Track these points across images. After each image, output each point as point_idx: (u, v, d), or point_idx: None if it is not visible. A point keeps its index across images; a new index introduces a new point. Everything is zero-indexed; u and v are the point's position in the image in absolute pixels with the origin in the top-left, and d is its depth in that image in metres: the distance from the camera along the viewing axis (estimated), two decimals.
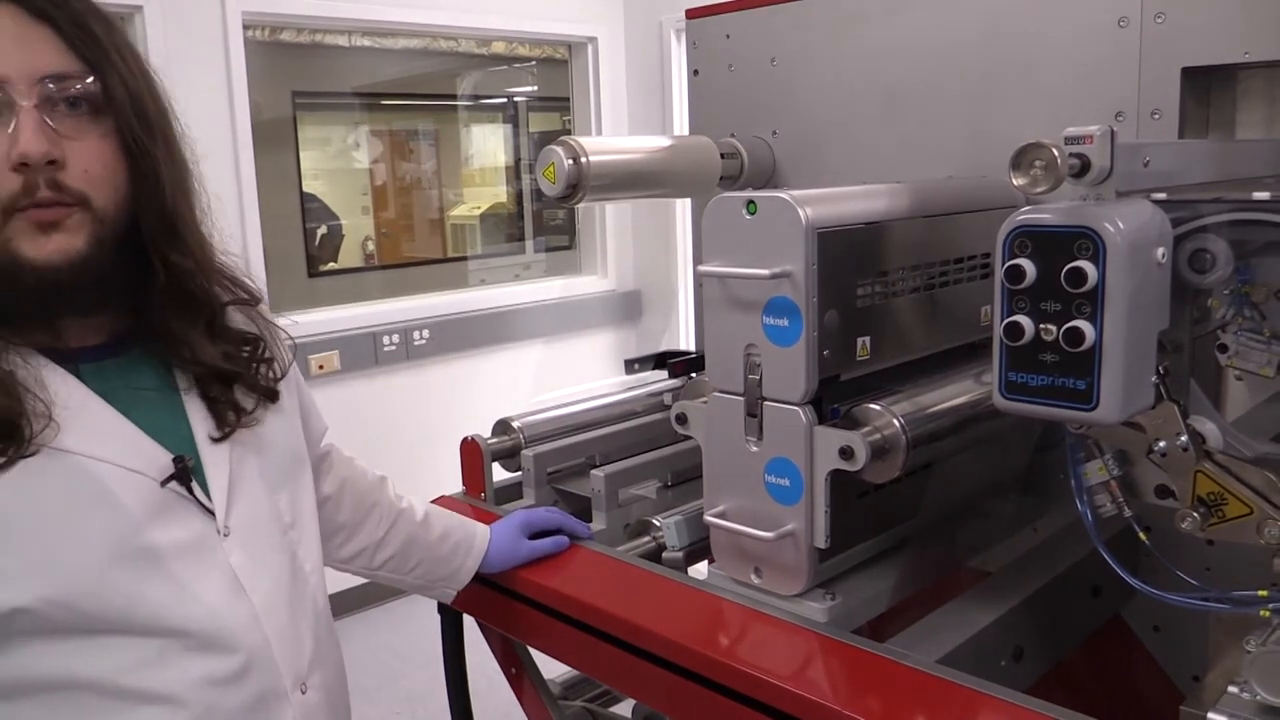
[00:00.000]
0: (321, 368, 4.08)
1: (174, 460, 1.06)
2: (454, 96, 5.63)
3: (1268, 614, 1.07)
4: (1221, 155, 1.40)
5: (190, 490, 1.07)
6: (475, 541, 1.56)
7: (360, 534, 1.46)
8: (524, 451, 1.84)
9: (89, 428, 1.02)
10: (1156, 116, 1.54)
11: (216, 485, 1.10)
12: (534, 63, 5.43)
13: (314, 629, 1.19)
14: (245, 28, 3.84)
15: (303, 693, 1.14)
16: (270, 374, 1.20)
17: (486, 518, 1.76)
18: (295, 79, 4.85)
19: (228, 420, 1.13)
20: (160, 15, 3.57)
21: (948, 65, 1.77)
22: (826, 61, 1.95)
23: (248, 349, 1.18)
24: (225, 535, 1.09)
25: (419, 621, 2.95)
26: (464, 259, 5.55)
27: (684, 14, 2.24)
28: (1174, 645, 1.65)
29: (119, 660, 1.01)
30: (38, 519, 0.98)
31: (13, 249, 0.98)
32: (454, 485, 1.89)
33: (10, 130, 0.96)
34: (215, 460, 1.11)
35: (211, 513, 1.09)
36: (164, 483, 1.05)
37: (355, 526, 1.46)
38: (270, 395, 1.19)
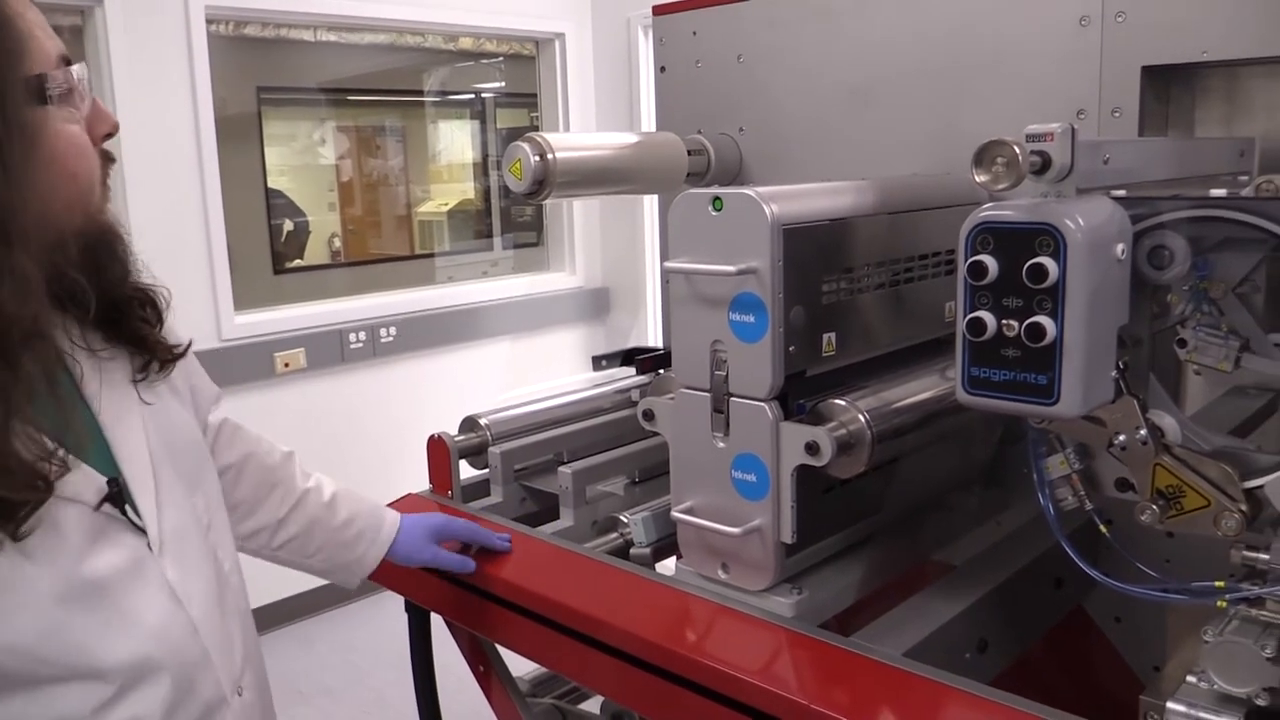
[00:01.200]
0: (287, 365, 4.05)
1: (108, 483, 1.02)
2: (421, 92, 5.60)
3: (1224, 605, 1.08)
4: (1180, 153, 1.41)
5: (124, 511, 1.04)
6: (382, 531, 1.51)
7: (260, 512, 1.41)
8: (491, 449, 1.84)
9: None
10: (1117, 114, 1.56)
11: (144, 500, 1.06)
12: (501, 59, 5.42)
13: (241, 629, 1.17)
14: (208, 22, 3.79)
15: (239, 695, 1.13)
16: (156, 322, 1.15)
17: (455, 515, 1.76)
18: (260, 74, 4.81)
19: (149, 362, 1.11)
20: (122, 10, 3.52)
21: (913, 63, 1.79)
22: (793, 59, 1.96)
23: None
24: (158, 551, 1.06)
25: (386, 620, 2.93)
26: (431, 256, 5.53)
27: (651, 10, 2.24)
28: (1134, 636, 1.68)
29: (77, 703, 0.98)
30: None
31: (106, 219, 1.05)
32: (421, 483, 1.88)
33: (87, 107, 1.00)
34: (138, 473, 1.07)
35: (142, 530, 1.05)
36: (98, 507, 1.01)
37: (255, 504, 1.41)
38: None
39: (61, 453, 0.94)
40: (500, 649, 1.75)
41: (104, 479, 1.02)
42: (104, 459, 1.05)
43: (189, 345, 1.18)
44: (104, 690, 0.99)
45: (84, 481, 1.00)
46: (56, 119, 0.96)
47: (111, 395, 1.07)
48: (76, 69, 0.99)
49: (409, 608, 1.79)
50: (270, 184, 4.87)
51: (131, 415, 1.09)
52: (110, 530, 1.02)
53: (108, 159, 1.05)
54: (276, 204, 5.00)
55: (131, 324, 1.10)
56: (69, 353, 1.05)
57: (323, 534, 1.46)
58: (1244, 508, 1.07)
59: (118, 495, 1.03)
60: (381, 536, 1.51)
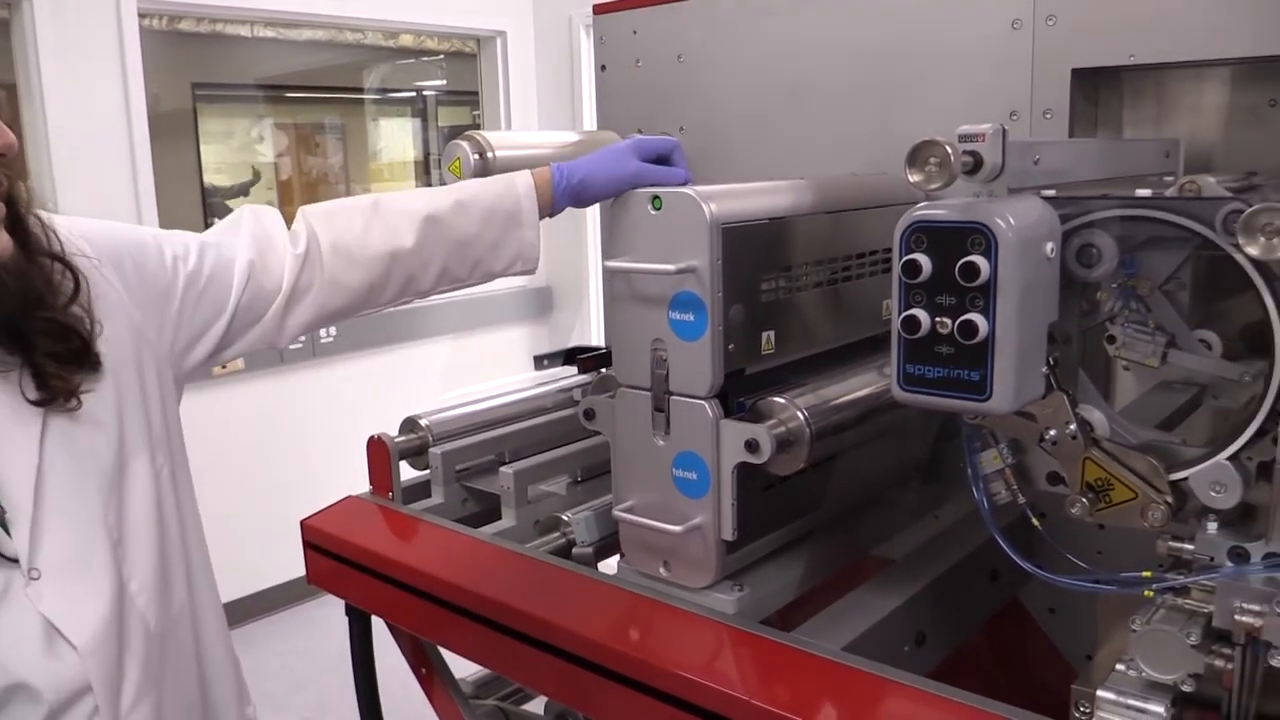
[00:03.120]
0: (224, 367, 3.98)
1: None
2: (361, 90, 5.54)
3: (1152, 594, 1.11)
4: (1109, 154, 1.44)
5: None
6: (521, 199, 1.36)
7: (396, 264, 1.27)
8: (432, 449, 1.83)
9: None
10: (1048, 116, 1.58)
11: (19, 529, 0.99)
12: (443, 56, 5.37)
13: (143, 655, 1.08)
14: (141, 16, 3.72)
15: None
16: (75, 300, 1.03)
17: (394, 517, 1.75)
18: (195, 70, 4.73)
19: (54, 390, 1.00)
20: (50, 2, 3.44)
21: (851, 63, 1.80)
22: (732, 58, 1.97)
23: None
24: (35, 579, 0.99)
25: (328, 624, 2.90)
26: None
27: (592, 9, 2.23)
28: (1068, 626, 1.71)
29: None
30: None
31: None
32: (362, 485, 1.86)
33: None
34: (18, 502, 0.99)
35: (14, 559, 0.98)
36: None
37: (373, 263, 1.27)
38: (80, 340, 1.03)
39: None
40: (443, 651, 1.74)
41: None
42: None
43: (78, 385, 1.04)
44: None
45: None
46: None
47: (2, 416, 1.00)
48: None
49: (349, 611, 1.77)
50: (207, 181, 4.79)
51: (24, 434, 1.00)
52: None
53: None
54: (213, 202, 4.91)
55: (34, 356, 1.00)
56: None
57: (473, 248, 1.33)
58: (1170, 500, 1.10)
59: None
60: (523, 205, 1.36)
